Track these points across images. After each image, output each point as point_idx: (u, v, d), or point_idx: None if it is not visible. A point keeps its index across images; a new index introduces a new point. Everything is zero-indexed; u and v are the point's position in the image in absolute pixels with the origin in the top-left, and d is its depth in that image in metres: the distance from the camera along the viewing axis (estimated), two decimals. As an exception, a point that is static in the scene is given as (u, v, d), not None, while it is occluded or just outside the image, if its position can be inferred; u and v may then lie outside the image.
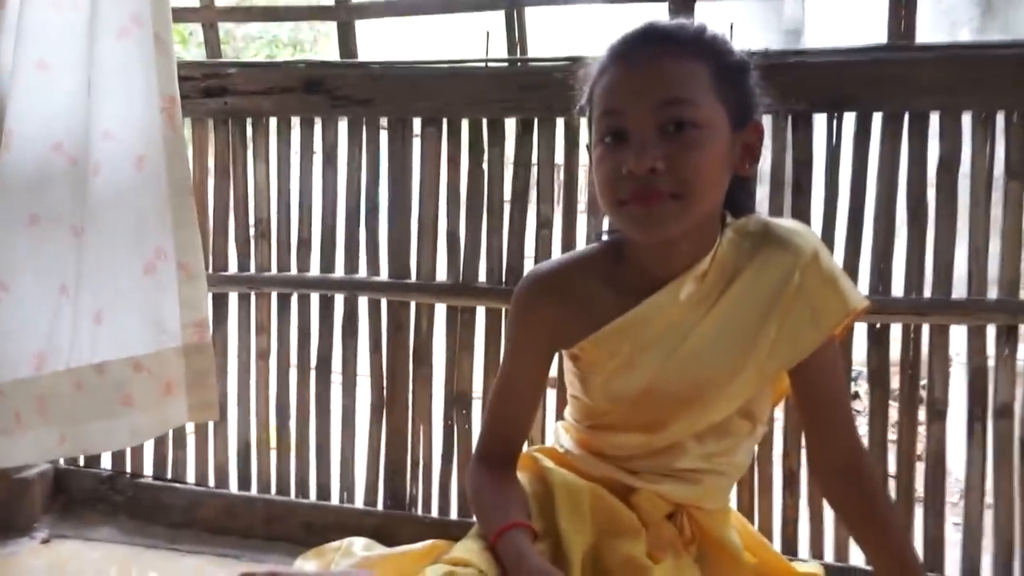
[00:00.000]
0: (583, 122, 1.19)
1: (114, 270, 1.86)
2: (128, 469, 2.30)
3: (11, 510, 2.20)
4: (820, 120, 1.84)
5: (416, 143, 2.07)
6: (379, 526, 2.07)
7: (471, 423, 2.05)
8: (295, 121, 2.15)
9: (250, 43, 8.90)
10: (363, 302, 2.14)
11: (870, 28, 1.82)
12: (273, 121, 2.16)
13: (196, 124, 2.21)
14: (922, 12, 1.84)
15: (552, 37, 2.33)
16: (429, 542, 1.38)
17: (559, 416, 1.44)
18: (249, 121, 2.18)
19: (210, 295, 2.12)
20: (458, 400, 2.07)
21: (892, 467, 1.86)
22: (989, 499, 1.79)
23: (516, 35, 2.04)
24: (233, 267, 2.22)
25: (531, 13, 2.03)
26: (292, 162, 2.17)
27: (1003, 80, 1.71)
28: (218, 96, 2.15)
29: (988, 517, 1.80)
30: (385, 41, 2.43)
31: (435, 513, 2.09)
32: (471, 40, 2.08)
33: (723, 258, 1.14)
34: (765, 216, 1.20)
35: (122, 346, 1.87)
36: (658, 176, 1.03)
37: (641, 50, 1.07)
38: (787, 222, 1.19)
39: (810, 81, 1.80)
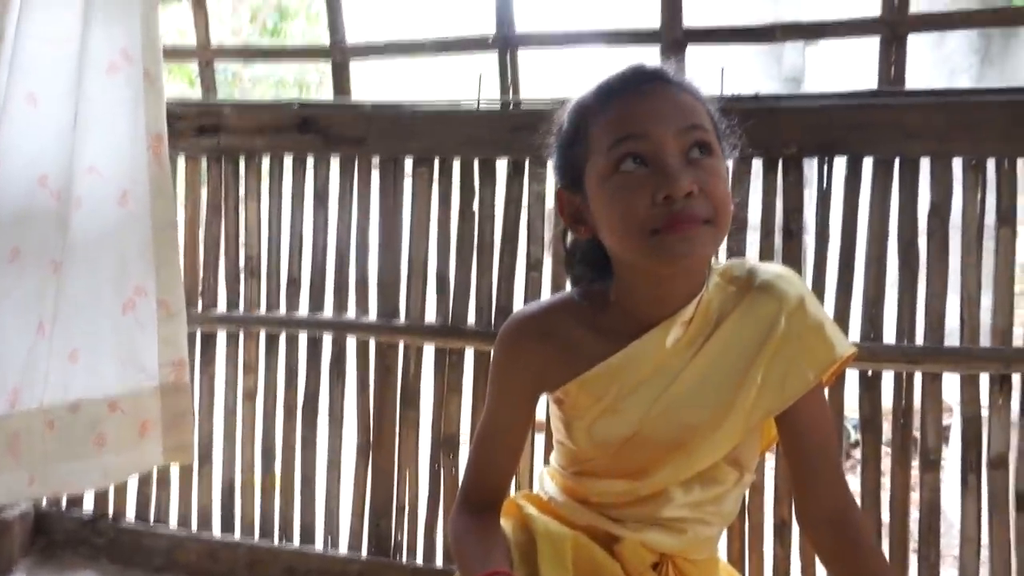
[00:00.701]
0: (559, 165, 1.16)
1: (92, 307, 1.84)
2: (110, 511, 2.26)
3: (-11, 552, 2.16)
4: (811, 165, 1.83)
5: (407, 183, 2.07)
6: (362, 572, 2.03)
7: (458, 467, 2.02)
8: (287, 160, 2.15)
9: (257, 84, 9.00)
10: (351, 342, 2.12)
11: (868, 74, 1.82)
12: (266, 160, 2.17)
13: (189, 162, 2.21)
14: (921, 59, 1.85)
15: (545, 79, 2.33)
16: None
17: (546, 461, 1.41)
18: (242, 159, 2.18)
19: (199, 334, 2.11)
20: (445, 443, 2.04)
21: (885, 516, 1.82)
22: (985, 552, 1.75)
23: (508, 77, 2.04)
24: (222, 306, 2.21)
25: (524, 55, 2.04)
26: (284, 201, 2.16)
27: (994, 126, 1.71)
28: (212, 134, 2.16)
29: (984, 571, 1.76)
30: (380, 82, 2.44)
31: (420, 560, 2.05)
32: (464, 81, 2.08)
33: (709, 303, 1.12)
34: (751, 261, 1.19)
35: (97, 385, 1.84)
36: (694, 200, 0.99)
37: (649, 83, 1.06)
38: (773, 267, 1.17)
39: (800, 125, 1.80)
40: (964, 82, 5.72)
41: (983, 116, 1.71)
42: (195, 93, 2.27)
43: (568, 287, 1.24)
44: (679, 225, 0.99)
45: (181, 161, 2.21)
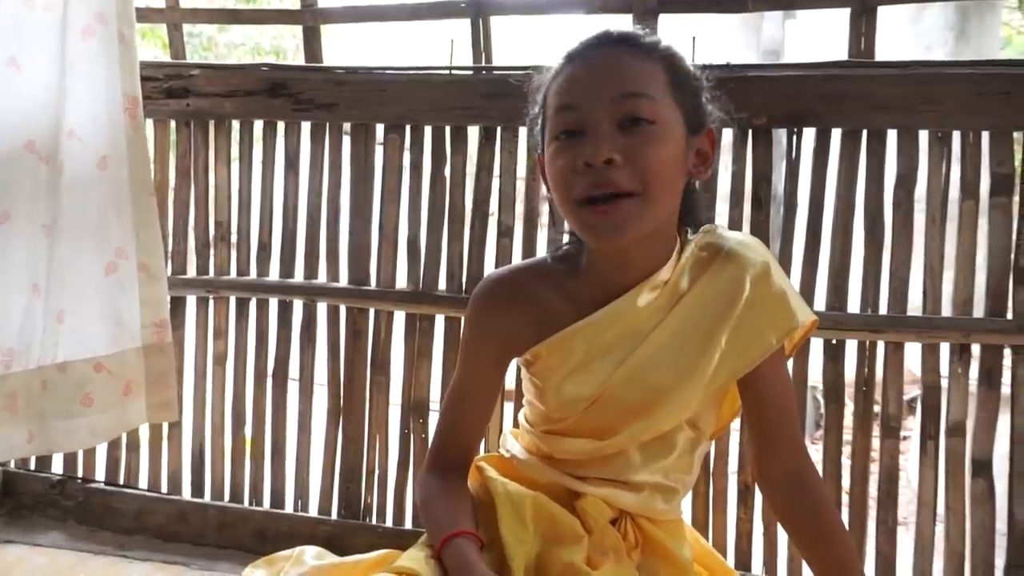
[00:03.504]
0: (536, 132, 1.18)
1: (76, 269, 1.83)
2: (80, 473, 2.26)
3: (-43, 513, 2.15)
4: (780, 135, 1.85)
5: (379, 149, 2.06)
6: (333, 535, 2.04)
7: (428, 432, 2.04)
8: (258, 124, 2.13)
9: (232, 50, 8.87)
10: (322, 308, 2.12)
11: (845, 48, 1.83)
12: (236, 124, 2.15)
13: (158, 125, 2.19)
14: (897, 33, 1.85)
15: (517, 47, 2.32)
16: (382, 552, 1.35)
17: (514, 424, 1.43)
18: (211, 123, 2.16)
19: (168, 297, 2.10)
20: (415, 408, 2.05)
21: (846, 482, 1.86)
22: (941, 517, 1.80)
23: (481, 44, 2.03)
24: (192, 270, 2.20)
25: (496, 22, 2.03)
26: (254, 165, 2.15)
27: (959, 100, 1.72)
28: (180, 97, 2.13)
29: (939, 534, 1.80)
30: (352, 46, 2.42)
31: (390, 523, 2.07)
32: (436, 47, 2.07)
33: (683, 269, 1.14)
34: (722, 228, 1.21)
35: (83, 346, 1.84)
36: (615, 169, 1.01)
37: (598, 50, 1.08)
38: (739, 235, 1.19)
39: (770, 96, 1.81)
40: (939, 57, 5.75)
41: (949, 89, 1.73)
42: (165, 55, 2.24)
43: (541, 252, 1.25)
44: (599, 208, 1.02)
45: (150, 125, 2.18)
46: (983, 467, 1.78)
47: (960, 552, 1.78)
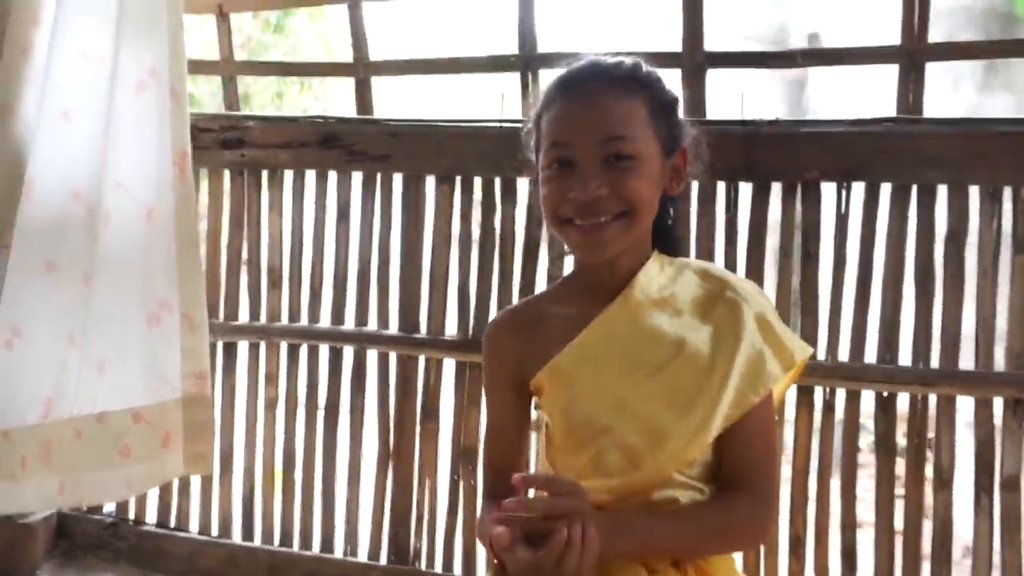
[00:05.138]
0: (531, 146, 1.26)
1: (119, 320, 1.86)
2: (131, 516, 2.30)
3: (14, 556, 2.19)
4: (829, 189, 1.86)
5: (430, 199, 2.10)
6: (382, 581, 2.07)
7: (477, 478, 2.06)
8: (310, 174, 2.18)
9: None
10: (372, 355, 2.15)
11: (876, 100, 1.85)
12: (289, 173, 2.20)
13: (212, 175, 2.24)
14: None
15: None
16: None
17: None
18: (265, 173, 2.21)
19: (220, 344, 2.14)
20: (465, 455, 2.07)
21: (899, 537, 1.86)
22: (997, 573, 1.79)
23: (530, 97, 2.07)
24: (244, 316, 2.24)
25: (546, 76, 2.07)
26: (306, 213, 2.19)
27: (1009, 157, 1.74)
28: (236, 148, 2.18)
29: (994, 589, 1.80)
30: (402, 94, 2.46)
31: (439, 568, 2.09)
32: (486, 96, 2.11)
33: (685, 299, 1.21)
34: (721, 268, 1.32)
35: (123, 396, 1.87)
36: (601, 200, 1.14)
37: (585, 86, 1.18)
38: (736, 276, 1.28)
39: (821, 150, 1.83)
40: (968, 89, 5.74)
41: (1000, 146, 1.74)
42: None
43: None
44: (585, 228, 1.15)
45: (204, 174, 2.23)
46: (1036, 519, 1.77)
47: (1016, 607, 1.77)
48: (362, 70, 2.16)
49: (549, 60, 2.06)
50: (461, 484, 2.08)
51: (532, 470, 1.49)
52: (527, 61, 2.06)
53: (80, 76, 1.87)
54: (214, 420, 1.97)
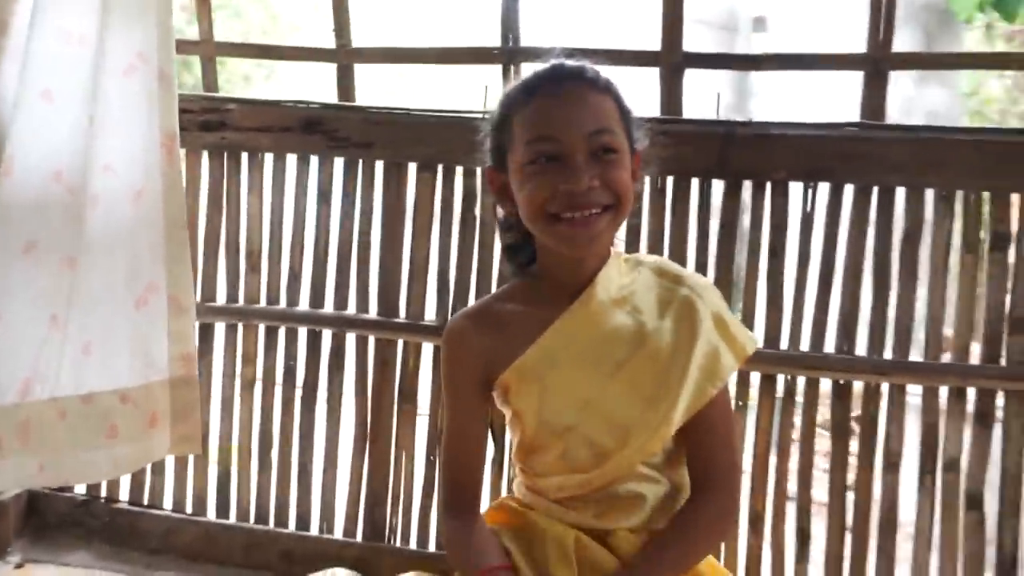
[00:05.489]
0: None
1: (106, 303, 1.87)
2: (103, 494, 2.31)
3: (-17, 533, 2.19)
4: (796, 188, 1.97)
5: (411, 186, 2.14)
6: (358, 557, 2.12)
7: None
8: (291, 158, 2.20)
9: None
10: (351, 338, 2.19)
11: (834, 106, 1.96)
12: (269, 156, 2.21)
13: (190, 155, 2.24)
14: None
15: None
16: (411, 574, 1.45)
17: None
18: (244, 155, 2.22)
19: (196, 325, 2.15)
20: (442, 436, 2.13)
21: (850, 514, 1.99)
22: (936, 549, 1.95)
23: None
24: (222, 298, 2.25)
25: (527, 69, 2.12)
26: (286, 196, 2.21)
27: (963, 164, 1.87)
28: (216, 131, 2.19)
29: (934, 561, 1.95)
30: (382, 82, 2.49)
31: (414, 545, 2.16)
32: (467, 86, 2.16)
33: (644, 295, 1.27)
34: (673, 264, 1.35)
35: (110, 378, 1.88)
36: (593, 192, 1.18)
37: (563, 84, 1.22)
38: (690, 272, 1.34)
39: (790, 151, 1.93)
40: (907, 82, 5.95)
41: (954, 154, 1.87)
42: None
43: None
44: (576, 221, 1.18)
45: (182, 154, 2.23)
46: (975, 500, 1.93)
47: (953, 579, 1.93)
48: (344, 56, 2.18)
49: (531, 54, 2.11)
50: (437, 464, 2.14)
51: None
52: (509, 54, 2.11)
53: (63, 56, 1.86)
54: (199, 401, 1.99)
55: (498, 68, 2.13)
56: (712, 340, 1.25)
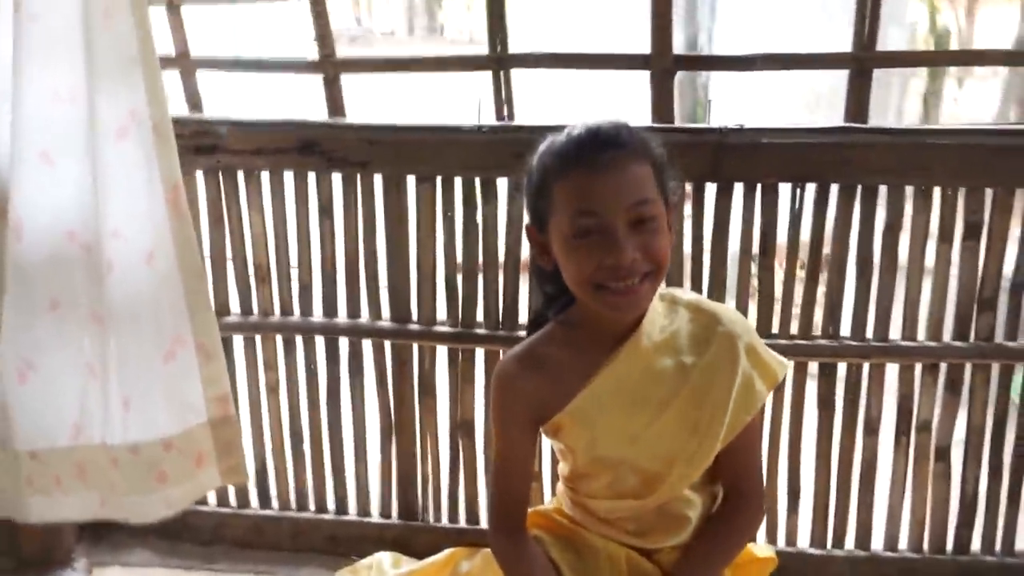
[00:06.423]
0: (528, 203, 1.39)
1: (136, 361, 1.93)
2: (150, 493, 2.47)
3: (48, 544, 2.37)
4: (785, 189, 2.06)
5: (412, 199, 2.19)
6: (398, 536, 2.35)
7: (475, 446, 2.32)
8: (288, 175, 2.21)
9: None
10: (367, 344, 2.31)
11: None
12: (266, 173, 2.22)
13: (185, 177, 2.23)
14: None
15: (541, 97, 2.42)
16: (447, 552, 1.66)
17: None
18: (241, 174, 2.23)
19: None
20: (462, 427, 2.32)
21: (834, 472, 2.24)
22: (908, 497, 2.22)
23: (503, 95, 2.14)
24: (235, 313, 2.33)
25: (519, 75, 2.13)
26: (287, 212, 2.25)
27: (940, 164, 1.97)
28: (209, 154, 2.18)
29: (906, 505, 2.23)
30: (372, 95, 2.46)
31: (446, 522, 2.38)
32: (460, 95, 2.16)
33: (676, 332, 1.39)
34: (709, 301, 1.46)
35: (152, 429, 1.96)
36: (636, 263, 1.26)
37: (601, 156, 1.27)
38: (723, 307, 1.45)
39: (779, 156, 2.01)
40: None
41: (933, 154, 1.97)
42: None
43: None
44: (625, 292, 1.27)
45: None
46: (943, 453, 2.19)
47: (922, 520, 2.22)
48: (330, 68, 2.16)
49: (521, 60, 2.12)
50: (461, 451, 2.33)
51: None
52: (499, 61, 2.11)
53: (56, 116, 1.84)
54: (241, 436, 2.12)
55: (488, 75, 2.13)
56: (747, 372, 1.37)
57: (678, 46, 2.11)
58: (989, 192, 2.00)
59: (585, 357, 1.40)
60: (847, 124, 2.02)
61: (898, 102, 5.92)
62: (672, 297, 1.45)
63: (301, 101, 2.28)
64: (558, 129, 1.37)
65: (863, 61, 2.00)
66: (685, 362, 1.38)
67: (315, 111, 2.23)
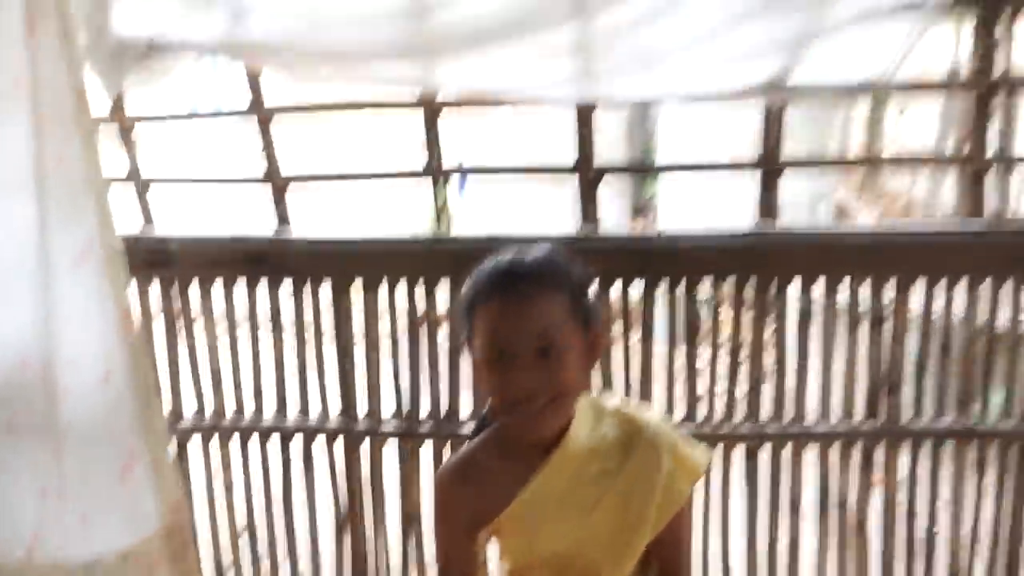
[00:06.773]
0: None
1: (93, 474, 1.97)
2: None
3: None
4: (705, 283, 2.22)
5: (357, 304, 2.31)
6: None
7: (421, 536, 2.42)
8: (239, 287, 2.32)
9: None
10: (320, 439, 2.40)
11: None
12: (218, 284, 2.33)
13: (141, 290, 2.33)
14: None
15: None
16: None
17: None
18: (195, 285, 2.33)
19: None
20: (410, 519, 2.41)
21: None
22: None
23: (439, 203, 2.29)
24: (189, 417, 2.41)
25: (453, 181, 2.28)
26: (238, 319, 2.35)
27: (847, 258, 2.17)
28: (162, 267, 2.29)
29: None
30: (315, 204, 2.60)
31: (398, 610, 2.47)
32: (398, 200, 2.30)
33: (606, 441, 1.46)
34: (636, 409, 1.52)
35: (110, 542, 2.03)
36: (538, 391, 1.33)
37: (516, 287, 1.34)
38: (648, 415, 1.51)
39: (700, 255, 2.18)
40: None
41: (841, 251, 2.17)
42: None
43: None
44: (525, 417, 1.34)
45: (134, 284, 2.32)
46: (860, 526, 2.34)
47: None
48: (278, 178, 2.29)
49: (454, 172, 2.27)
50: (412, 542, 2.42)
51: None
52: (435, 172, 2.26)
53: (7, 250, 1.91)
54: (194, 540, 2.19)
55: (428, 180, 2.27)
56: (670, 472, 1.45)
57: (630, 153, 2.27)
58: (894, 281, 2.17)
59: (518, 465, 1.47)
60: (757, 230, 2.19)
61: (842, 131, 6.13)
62: (597, 404, 1.53)
63: (250, 211, 2.38)
64: (494, 241, 1.48)
65: (770, 164, 2.18)
66: (610, 468, 1.48)
67: (264, 221, 2.35)
